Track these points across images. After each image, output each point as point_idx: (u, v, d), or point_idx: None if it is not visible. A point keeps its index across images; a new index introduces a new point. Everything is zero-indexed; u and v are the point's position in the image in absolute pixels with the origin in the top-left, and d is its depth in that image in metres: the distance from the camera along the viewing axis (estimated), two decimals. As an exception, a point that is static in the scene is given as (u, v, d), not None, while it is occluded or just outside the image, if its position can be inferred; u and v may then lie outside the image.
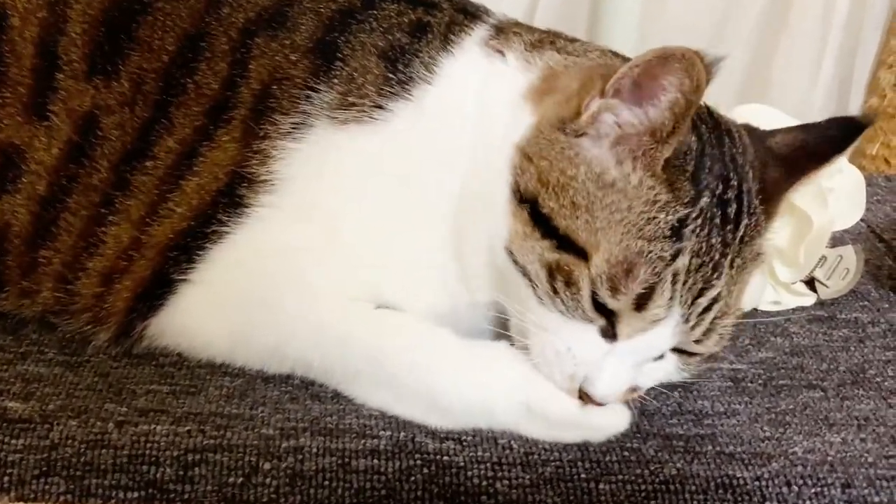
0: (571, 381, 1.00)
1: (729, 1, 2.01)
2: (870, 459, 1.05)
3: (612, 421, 1.05)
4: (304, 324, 1.05)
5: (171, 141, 1.10)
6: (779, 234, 1.28)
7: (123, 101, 1.11)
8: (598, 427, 1.04)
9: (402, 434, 1.02)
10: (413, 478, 0.98)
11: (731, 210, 0.99)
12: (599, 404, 1.00)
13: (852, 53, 2.03)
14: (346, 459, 0.99)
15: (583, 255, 0.97)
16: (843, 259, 1.37)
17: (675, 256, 0.95)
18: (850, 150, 1.08)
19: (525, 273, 1.00)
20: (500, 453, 1.01)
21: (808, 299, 1.36)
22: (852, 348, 1.27)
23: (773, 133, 1.10)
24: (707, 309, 0.99)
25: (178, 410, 1.03)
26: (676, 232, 0.96)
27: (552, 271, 0.98)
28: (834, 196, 1.34)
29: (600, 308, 0.98)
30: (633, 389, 1.03)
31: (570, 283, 0.97)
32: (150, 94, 1.11)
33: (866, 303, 1.38)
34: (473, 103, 1.07)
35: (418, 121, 1.08)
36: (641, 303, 0.96)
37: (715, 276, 0.98)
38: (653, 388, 1.10)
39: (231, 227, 1.08)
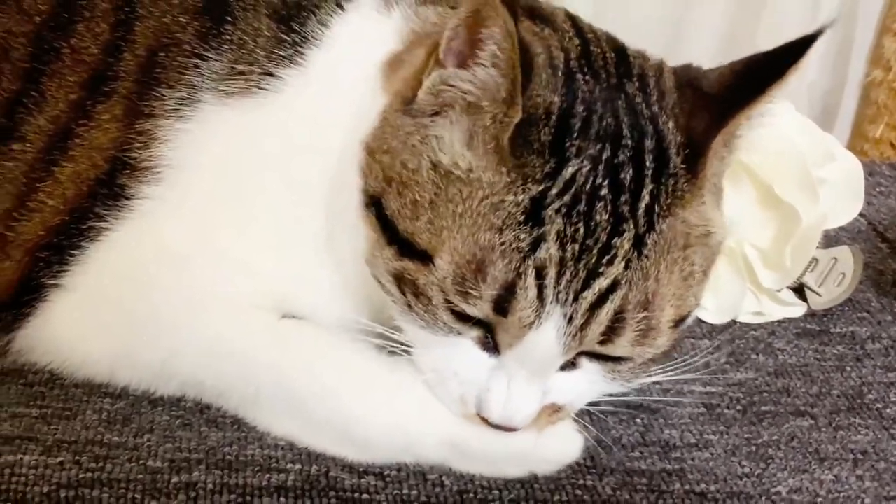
0: (464, 406, 0.99)
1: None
2: (867, 501, 1.06)
3: (557, 450, 1.05)
4: (193, 337, 1.04)
5: (42, 119, 1.09)
6: (760, 233, 1.29)
7: None
8: (541, 458, 1.04)
9: (314, 468, 1.02)
10: (325, 520, 0.97)
11: (626, 175, 0.93)
12: (511, 429, 0.98)
13: (852, 17, 2.01)
14: (248, 498, 0.99)
15: (426, 259, 0.93)
16: (838, 262, 1.37)
17: (535, 245, 0.89)
18: (794, 74, 0.94)
19: (383, 287, 0.98)
20: (429, 491, 1.02)
21: (797, 310, 1.37)
22: (848, 368, 1.28)
23: (711, 71, 1.01)
24: (599, 304, 0.91)
25: (50, 438, 1.02)
26: (532, 215, 0.90)
27: (400, 282, 0.96)
28: (827, 188, 1.34)
29: (468, 317, 0.95)
30: (556, 410, 1.01)
31: (418, 293, 0.94)
32: (19, 62, 1.09)
33: (865, 314, 1.38)
34: (351, 75, 1.05)
35: (304, 90, 1.07)
36: (502, 306, 0.91)
37: (604, 261, 0.91)
38: (614, 415, 1.10)
39: (110, 222, 1.07)
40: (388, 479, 1.02)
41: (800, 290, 1.38)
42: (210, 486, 0.99)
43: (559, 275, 0.90)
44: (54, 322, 1.08)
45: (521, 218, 0.90)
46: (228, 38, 1.08)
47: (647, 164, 0.93)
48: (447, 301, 0.93)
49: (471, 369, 0.98)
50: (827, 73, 2.07)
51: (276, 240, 1.06)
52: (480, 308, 0.92)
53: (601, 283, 0.91)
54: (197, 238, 1.06)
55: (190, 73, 1.08)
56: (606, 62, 0.99)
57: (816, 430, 1.17)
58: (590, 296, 0.91)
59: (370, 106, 1.00)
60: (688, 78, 1.00)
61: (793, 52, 0.93)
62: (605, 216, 0.90)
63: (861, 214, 1.57)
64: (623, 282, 0.91)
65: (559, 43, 0.98)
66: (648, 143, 0.94)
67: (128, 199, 1.07)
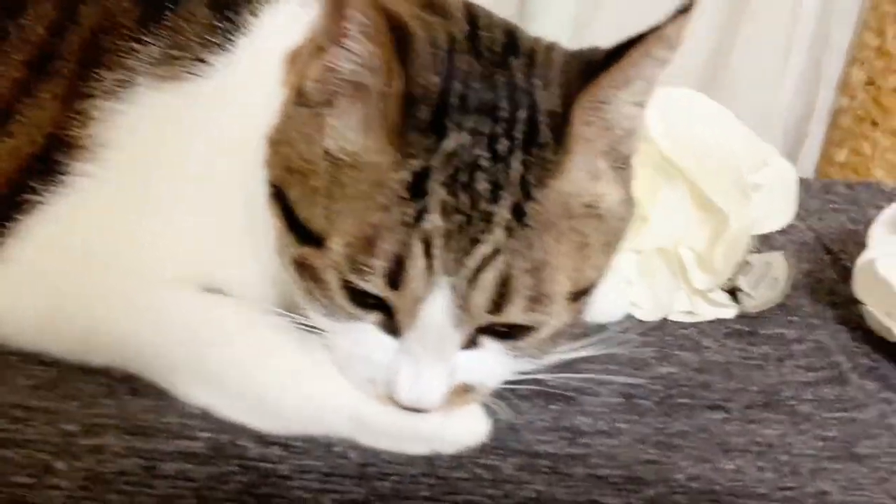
0: (375, 388, 0.94)
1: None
2: (761, 490, 0.99)
3: (462, 431, 0.99)
4: (117, 307, 0.99)
5: None
6: (695, 235, 1.22)
7: None
8: (446, 439, 0.98)
9: (225, 437, 0.97)
10: (227, 486, 0.92)
11: (503, 146, 0.87)
12: (422, 411, 0.94)
13: (821, 47, 1.94)
14: (154, 462, 0.93)
15: (321, 243, 0.88)
16: (772, 267, 1.30)
17: (419, 217, 0.85)
18: (655, 38, 0.88)
19: (289, 276, 0.94)
20: (332, 463, 0.96)
21: (729, 311, 1.29)
22: (770, 367, 1.21)
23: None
24: (482, 270, 0.86)
25: (-27, 400, 0.96)
26: (415, 189, 0.85)
27: (300, 269, 0.92)
28: (760, 193, 1.26)
29: (365, 302, 0.91)
30: (467, 390, 0.95)
31: (316, 279, 0.90)
32: None
33: (795, 318, 1.31)
34: (267, 67, 0.98)
35: (230, 77, 1.02)
36: (395, 279, 0.86)
37: (485, 228, 0.85)
38: (529, 401, 1.04)
39: (45, 197, 1.02)
40: (293, 450, 0.96)
41: (733, 293, 1.29)
42: (118, 449, 0.94)
43: (445, 245, 0.86)
44: None
45: (405, 193, 0.86)
46: (167, 23, 1.04)
47: (518, 134, 0.87)
48: (345, 283, 0.89)
49: (376, 353, 0.93)
50: (798, 101, 1.99)
51: (200, 221, 1.02)
52: (375, 283, 0.88)
53: (483, 250, 0.85)
54: (124, 215, 1.01)
55: (128, 56, 1.04)
56: (493, 42, 0.94)
57: (728, 423, 1.10)
58: (472, 262, 0.85)
59: (271, 98, 0.96)
60: (580, 55, 0.94)
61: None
62: (486, 186, 0.86)
63: (811, 228, 1.51)
64: (505, 248, 0.86)
65: (445, 27, 0.92)
66: (521, 114, 0.89)
67: (62, 175, 1.03)
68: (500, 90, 0.90)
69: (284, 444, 0.97)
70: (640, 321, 1.27)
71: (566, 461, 1.00)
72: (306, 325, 0.97)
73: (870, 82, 1.93)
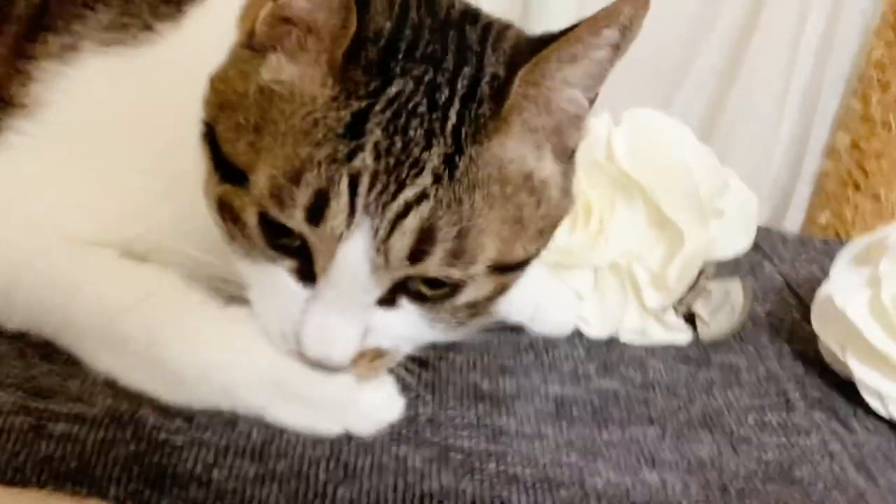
0: (285, 342, 0.83)
1: (685, 49, 1.82)
2: (683, 503, 0.84)
3: (375, 405, 0.88)
4: (26, 268, 0.89)
5: None
6: (650, 252, 1.09)
7: None
8: (358, 411, 0.86)
9: (126, 405, 0.85)
10: (114, 452, 0.80)
11: (442, 96, 0.79)
12: (330, 367, 0.82)
13: (811, 113, 1.82)
14: (43, 422, 0.81)
15: (243, 180, 0.79)
16: (730, 295, 1.17)
17: (351, 155, 0.75)
18: (589, 24, 0.78)
19: (213, 220, 0.84)
20: (232, 439, 0.84)
21: (683, 336, 1.15)
22: (715, 392, 1.07)
23: None
24: (403, 215, 0.76)
25: None
26: (353, 129, 0.76)
27: (222, 208, 0.82)
28: (723, 219, 1.13)
29: (281, 245, 0.80)
30: (378, 354, 0.84)
31: (235, 217, 0.80)
32: None
33: (751, 348, 1.17)
34: (219, 26, 0.88)
35: (176, 43, 0.93)
36: (315, 214, 0.76)
37: (412, 173, 0.76)
38: (456, 398, 0.91)
39: None
40: (195, 424, 0.85)
41: (690, 319, 1.15)
42: (8, 407, 0.83)
43: (371, 185, 0.75)
44: None
45: (342, 131, 0.76)
46: None
47: (459, 88, 0.79)
48: (262, 219, 0.79)
49: (287, 301, 0.82)
50: (787, 164, 1.87)
51: (128, 183, 0.91)
52: (294, 217, 0.77)
53: (407, 194, 0.76)
54: (48, 172, 0.91)
55: (77, 22, 0.95)
56: (451, 7, 0.86)
57: (661, 439, 0.96)
58: (395, 206, 0.76)
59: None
60: (536, 36, 0.85)
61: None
62: (420, 132, 0.77)
63: (780, 273, 1.38)
64: (431, 196, 0.76)
65: None
66: (467, 71, 0.80)
67: None
68: (450, 45, 0.81)
69: (187, 416, 0.85)
70: (588, 338, 1.12)
71: (480, 456, 0.87)
72: (236, 297, 0.86)
73: (854, 146, 1.79)
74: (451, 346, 1.02)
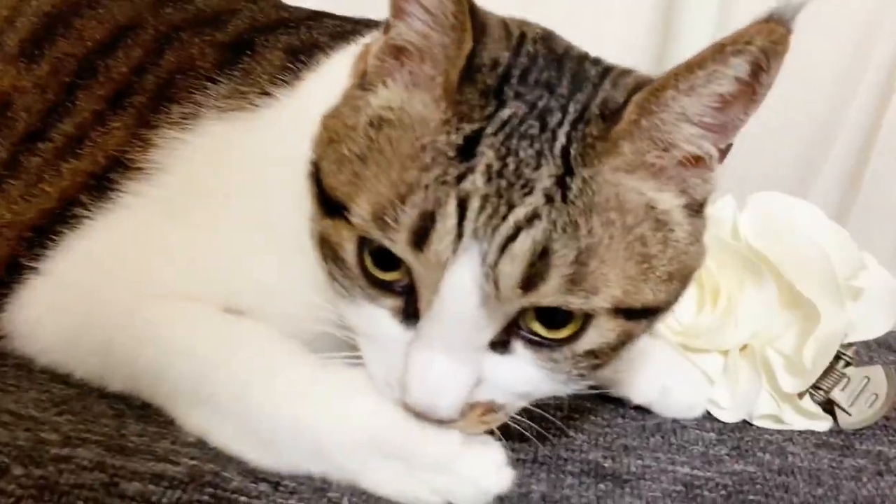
0: (391, 390, 0.66)
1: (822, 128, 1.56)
2: None
3: (482, 471, 0.68)
4: (126, 322, 0.73)
5: (68, 125, 0.85)
6: (783, 334, 0.87)
7: (38, 84, 0.88)
8: (463, 475, 0.66)
9: (210, 466, 0.66)
10: (188, 514, 0.60)
11: (553, 120, 0.63)
12: (435, 419, 0.64)
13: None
14: (117, 479, 0.64)
15: (343, 212, 0.64)
16: (871, 382, 0.93)
17: (461, 177, 0.61)
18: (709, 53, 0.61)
19: (316, 260, 0.69)
20: (319, 506, 0.62)
21: (822, 423, 0.91)
22: (865, 479, 0.83)
23: None
24: (513, 238, 0.60)
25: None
26: (464, 151, 0.62)
27: (322, 245, 0.67)
28: (859, 300, 0.90)
29: (382, 283, 0.64)
30: (489, 409, 0.65)
31: (335, 254, 0.66)
32: (64, 77, 0.87)
33: (897, 438, 0.90)
34: (334, 87, 0.73)
35: (291, 104, 0.79)
36: (420, 237, 0.60)
37: (523, 192, 0.61)
38: (574, 476, 0.71)
39: (93, 211, 0.79)
40: (281, 489, 0.66)
41: (829, 407, 0.91)
42: (84, 463, 0.66)
43: (481, 208, 0.61)
44: (26, 305, 0.80)
45: (452, 154, 0.62)
46: (241, 66, 0.83)
47: (571, 111, 0.64)
48: (361, 251, 0.65)
49: (389, 345, 0.65)
50: None
51: (242, 242, 0.76)
52: (397, 240, 0.61)
53: (517, 214, 0.60)
54: (165, 232, 0.77)
55: (198, 92, 0.82)
56: (570, 49, 0.70)
57: (808, 527, 0.70)
58: (505, 228, 0.60)
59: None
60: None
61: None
62: (530, 153, 0.62)
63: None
64: (543, 216, 0.60)
65: (519, 25, 0.70)
66: (580, 97, 0.65)
67: (113, 192, 0.80)
68: (566, 75, 0.66)
69: (275, 482, 0.67)
70: (719, 420, 0.89)
71: (597, 538, 0.64)
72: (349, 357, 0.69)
73: None
74: (570, 424, 0.81)
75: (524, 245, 0.60)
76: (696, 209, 0.68)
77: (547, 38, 0.69)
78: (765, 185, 1.01)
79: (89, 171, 0.82)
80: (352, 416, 0.67)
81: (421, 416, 0.64)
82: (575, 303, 0.61)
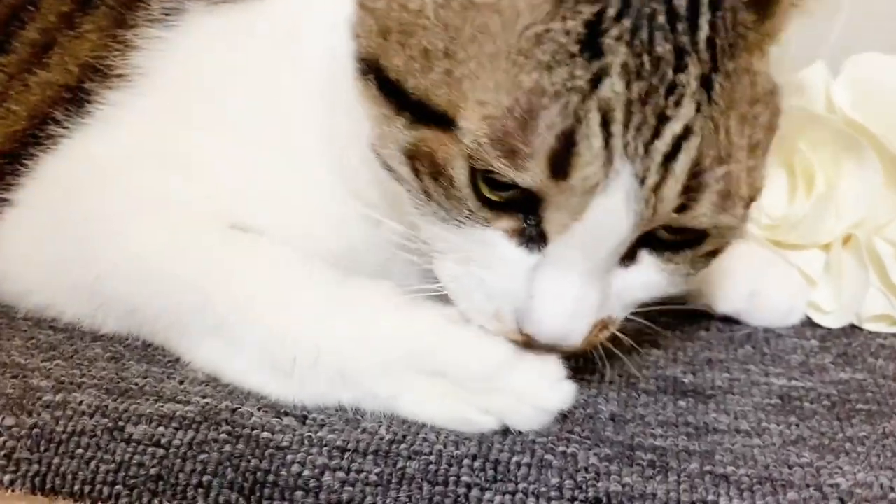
0: (500, 323, 0.66)
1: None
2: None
3: (540, 389, 0.68)
4: (122, 248, 0.75)
5: (32, 31, 0.88)
6: (892, 223, 0.88)
7: None
8: (518, 392, 0.68)
9: (226, 403, 0.69)
10: (203, 456, 0.64)
11: (681, 2, 0.60)
12: (563, 350, 0.66)
13: None
14: (121, 423, 0.67)
15: (447, 123, 0.61)
16: None
17: (596, 81, 0.58)
18: None
19: (395, 175, 0.66)
20: (353, 438, 0.67)
21: (944, 320, 0.91)
22: None
23: None
24: (672, 156, 0.59)
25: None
26: (589, 44, 0.58)
27: (414, 161, 0.64)
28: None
29: (496, 202, 0.63)
30: (604, 325, 0.67)
31: (437, 173, 0.63)
32: None
33: None
34: None
35: None
36: (560, 164, 0.58)
37: (672, 102, 0.59)
38: (650, 395, 0.73)
39: (69, 128, 0.81)
40: (309, 423, 0.69)
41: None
42: (84, 408, 0.69)
43: (626, 120, 0.58)
44: (2, 241, 0.83)
45: (576, 49, 0.59)
46: None
47: None
48: (474, 174, 0.62)
49: (503, 271, 0.65)
50: None
51: (247, 148, 0.77)
52: (533, 172, 0.59)
53: (673, 128, 0.59)
54: (153, 143, 0.79)
55: None
56: None
57: (931, 434, 0.72)
58: (662, 146, 0.59)
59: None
60: None
61: None
62: (668, 47, 0.59)
63: None
64: (696, 128, 0.59)
65: None
66: None
67: (90, 104, 0.82)
68: None
69: (301, 415, 0.70)
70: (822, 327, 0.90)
71: (677, 456, 0.68)
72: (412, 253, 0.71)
73: None
74: (645, 339, 0.82)
75: (683, 164, 0.59)
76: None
77: None
78: (861, 47, 1.00)
79: (61, 82, 0.84)
80: (382, 331, 0.68)
81: (543, 347, 0.65)
82: (724, 221, 0.62)
